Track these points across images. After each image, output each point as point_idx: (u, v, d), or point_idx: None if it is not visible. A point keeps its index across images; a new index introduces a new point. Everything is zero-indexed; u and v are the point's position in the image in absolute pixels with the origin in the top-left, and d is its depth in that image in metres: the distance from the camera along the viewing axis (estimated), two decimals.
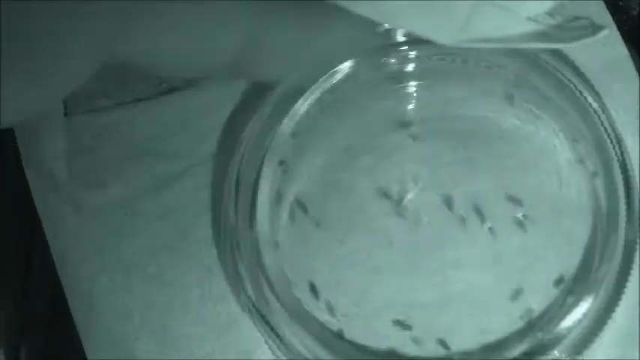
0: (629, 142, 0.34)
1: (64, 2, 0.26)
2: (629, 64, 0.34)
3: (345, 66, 0.34)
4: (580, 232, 0.33)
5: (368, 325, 0.33)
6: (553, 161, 0.34)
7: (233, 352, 0.33)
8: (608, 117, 0.33)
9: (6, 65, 0.25)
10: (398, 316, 0.33)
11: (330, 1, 0.26)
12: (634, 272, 0.31)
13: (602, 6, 0.34)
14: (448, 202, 0.34)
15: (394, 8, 0.26)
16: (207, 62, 0.30)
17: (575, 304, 0.31)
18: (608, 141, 0.32)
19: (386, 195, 0.34)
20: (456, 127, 0.35)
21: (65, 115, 0.36)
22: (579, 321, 0.31)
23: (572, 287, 0.32)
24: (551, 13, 0.25)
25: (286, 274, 0.33)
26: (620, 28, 0.33)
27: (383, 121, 0.35)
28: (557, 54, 0.34)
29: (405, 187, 0.34)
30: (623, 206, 0.31)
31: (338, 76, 0.34)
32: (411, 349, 0.32)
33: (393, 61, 0.35)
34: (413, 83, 0.36)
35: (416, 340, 0.32)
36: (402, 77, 0.35)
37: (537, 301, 0.32)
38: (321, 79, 0.34)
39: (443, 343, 0.32)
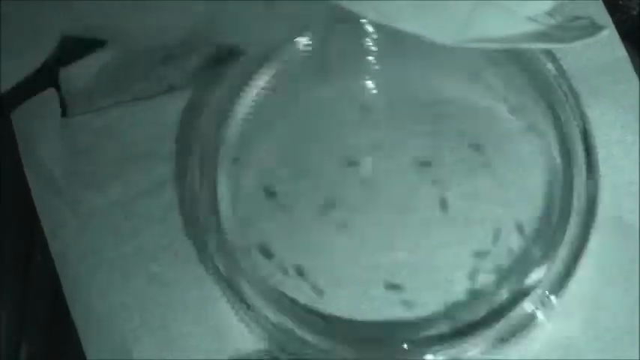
0: (629, 142, 0.34)
1: None
2: (627, 66, 0.34)
3: (299, 43, 0.34)
4: (536, 186, 0.34)
5: (358, 297, 0.33)
6: (510, 130, 0.35)
7: (231, 351, 0.33)
8: (564, 77, 0.33)
9: None
10: (389, 280, 0.33)
11: (335, 1, 0.26)
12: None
13: (602, 6, 0.34)
14: (414, 164, 0.34)
15: (394, 8, 0.26)
16: (173, 29, 0.30)
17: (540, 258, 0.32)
18: (565, 102, 0.33)
19: (352, 163, 0.34)
20: (419, 102, 0.35)
21: (65, 116, 0.36)
22: (546, 274, 0.31)
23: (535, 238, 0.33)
24: (551, 13, 0.25)
25: (267, 264, 0.33)
26: (619, 28, 0.33)
27: (342, 96, 0.35)
28: None
29: (371, 154, 0.35)
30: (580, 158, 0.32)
31: (290, 54, 0.34)
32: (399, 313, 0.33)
33: (348, 38, 0.35)
34: (374, 59, 0.36)
35: (406, 303, 0.33)
36: (364, 53, 0.35)
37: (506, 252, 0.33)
38: (274, 58, 0.34)
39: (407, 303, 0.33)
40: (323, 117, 0.35)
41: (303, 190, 0.34)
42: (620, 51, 0.35)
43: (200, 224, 0.32)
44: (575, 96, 0.33)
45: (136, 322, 0.33)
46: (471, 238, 0.33)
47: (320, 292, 0.33)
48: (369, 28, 0.34)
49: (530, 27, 0.25)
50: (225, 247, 0.32)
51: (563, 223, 0.32)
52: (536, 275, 0.31)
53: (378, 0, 0.26)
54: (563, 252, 0.31)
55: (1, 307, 0.34)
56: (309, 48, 0.35)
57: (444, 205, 0.34)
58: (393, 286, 0.33)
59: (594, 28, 0.25)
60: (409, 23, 0.26)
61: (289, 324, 0.31)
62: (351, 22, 0.34)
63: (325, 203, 0.34)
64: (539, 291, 0.31)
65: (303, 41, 0.34)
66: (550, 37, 0.25)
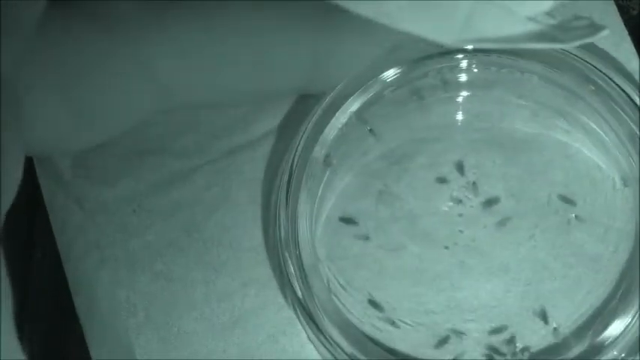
0: None
1: (128, 47, 0.26)
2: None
3: (389, 74, 0.34)
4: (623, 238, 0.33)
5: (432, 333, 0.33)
6: (602, 175, 0.34)
7: (236, 351, 0.33)
8: None
9: (61, 102, 0.26)
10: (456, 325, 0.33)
11: (335, 1, 0.26)
12: None
13: (613, 7, 0.33)
14: (495, 204, 0.34)
15: (394, 8, 0.25)
16: (280, 87, 0.30)
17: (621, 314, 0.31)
18: None
19: (435, 203, 0.34)
20: (505, 138, 0.35)
21: None
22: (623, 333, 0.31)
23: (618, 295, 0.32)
24: (551, 13, 0.25)
25: (344, 293, 0.33)
26: None
27: (427, 128, 0.35)
28: (615, 69, 0.33)
29: (454, 193, 0.34)
30: None
31: (379, 86, 0.34)
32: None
33: (441, 69, 0.35)
34: (460, 93, 0.35)
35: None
36: (448, 86, 0.35)
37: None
38: (362, 88, 0.34)
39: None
40: (414, 144, 0.35)
41: (385, 220, 0.34)
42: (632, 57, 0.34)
43: (281, 247, 0.32)
44: None
45: (140, 318, 0.33)
46: (547, 289, 0.33)
47: (396, 326, 0.33)
48: (464, 63, 0.35)
49: (530, 27, 0.25)
50: (303, 272, 0.32)
51: None
52: (613, 332, 0.31)
53: (378, 0, 0.25)
54: None
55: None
56: (398, 80, 0.34)
57: (519, 244, 0.33)
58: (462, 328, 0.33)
59: (595, 28, 0.25)
60: (409, 23, 0.26)
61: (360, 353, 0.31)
62: (443, 55, 0.34)
63: (405, 237, 0.34)
64: (614, 351, 0.30)
65: (391, 73, 0.34)
66: (550, 37, 0.25)
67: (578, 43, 0.25)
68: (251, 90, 0.30)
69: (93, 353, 0.33)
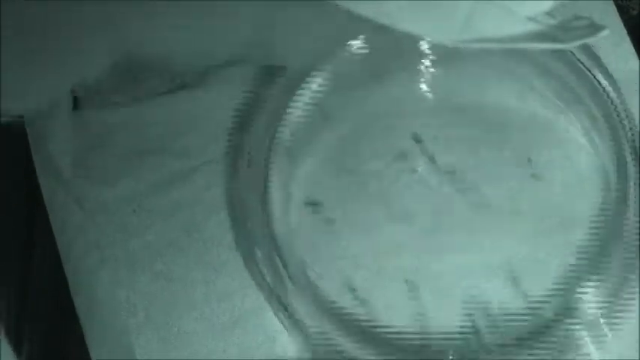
0: None
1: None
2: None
3: (354, 45, 0.34)
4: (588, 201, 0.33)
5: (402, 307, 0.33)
6: (567, 147, 0.34)
7: (236, 351, 0.33)
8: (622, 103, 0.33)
9: (18, 55, 0.26)
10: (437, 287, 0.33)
11: (335, 1, 0.26)
12: None
13: (613, 7, 0.33)
14: (460, 174, 0.34)
15: (395, 8, 0.26)
16: (221, 52, 0.30)
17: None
18: (620, 127, 0.32)
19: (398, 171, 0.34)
20: (470, 109, 0.35)
21: (76, 110, 0.36)
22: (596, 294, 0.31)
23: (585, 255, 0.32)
24: (551, 13, 0.25)
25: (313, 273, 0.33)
26: None
27: (390, 104, 0.35)
28: (608, 68, 0.33)
29: (416, 162, 0.34)
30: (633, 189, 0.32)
31: (343, 57, 0.34)
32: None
33: (412, 40, 0.34)
34: (428, 62, 0.36)
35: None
36: (417, 56, 0.35)
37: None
38: (326, 61, 0.34)
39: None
40: (374, 119, 0.35)
41: (349, 200, 0.34)
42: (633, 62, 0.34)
43: (248, 231, 0.33)
44: (629, 113, 0.33)
45: (140, 319, 0.33)
46: (515, 249, 0.33)
47: (365, 302, 0.33)
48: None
49: (530, 27, 0.25)
50: (272, 255, 0.32)
51: (615, 240, 0.31)
52: (585, 294, 0.31)
53: (378, 0, 0.26)
54: (615, 270, 0.31)
55: (2, 306, 0.34)
56: (362, 51, 0.35)
57: (485, 211, 0.34)
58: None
59: (594, 28, 0.25)
60: (409, 23, 0.26)
61: (334, 334, 0.31)
62: None
63: (372, 220, 0.34)
64: (588, 311, 0.30)
65: (356, 44, 0.34)
66: (550, 36, 0.25)
67: (578, 43, 0.25)
68: (198, 54, 0.30)
69: (93, 353, 0.33)
